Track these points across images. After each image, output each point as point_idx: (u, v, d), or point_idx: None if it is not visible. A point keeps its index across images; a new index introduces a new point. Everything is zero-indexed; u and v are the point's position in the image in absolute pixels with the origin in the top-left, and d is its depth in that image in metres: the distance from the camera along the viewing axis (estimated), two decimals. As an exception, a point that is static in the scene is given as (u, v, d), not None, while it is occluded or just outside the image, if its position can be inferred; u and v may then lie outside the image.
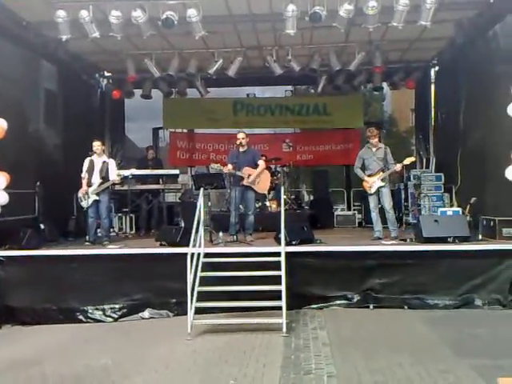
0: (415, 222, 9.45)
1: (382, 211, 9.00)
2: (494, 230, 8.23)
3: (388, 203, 8.79)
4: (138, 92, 12.80)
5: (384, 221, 8.95)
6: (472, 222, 8.70)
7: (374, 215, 8.88)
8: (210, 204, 8.78)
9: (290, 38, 9.12)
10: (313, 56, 11.02)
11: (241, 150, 8.90)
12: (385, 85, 13.35)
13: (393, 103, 26.42)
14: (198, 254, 7.17)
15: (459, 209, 9.32)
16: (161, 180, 10.79)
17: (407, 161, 9.02)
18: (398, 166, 8.79)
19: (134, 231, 11.02)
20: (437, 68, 12.60)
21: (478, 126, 9.58)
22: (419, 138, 13.60)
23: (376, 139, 8.91)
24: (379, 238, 8.67)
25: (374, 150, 8.90)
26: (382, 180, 8.73)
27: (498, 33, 8.88)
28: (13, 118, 8.26)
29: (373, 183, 8.75)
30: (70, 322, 7.71)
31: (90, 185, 8.95)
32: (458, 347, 5.82)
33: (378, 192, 8.79)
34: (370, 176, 8.82)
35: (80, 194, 9.08)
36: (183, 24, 8.46)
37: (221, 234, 8.58)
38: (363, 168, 8.93)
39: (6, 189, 7.86)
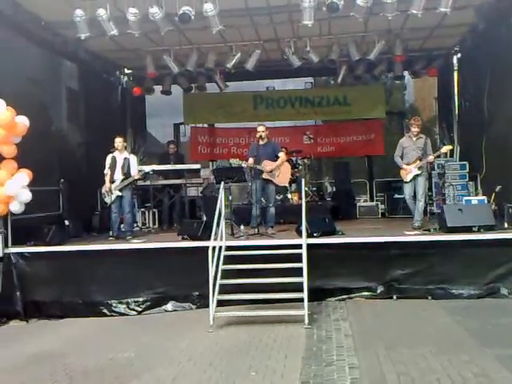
0: (439, 211, 9.30)
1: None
2: (519, 218, 8.07)
3: (421, 192, 8.76)
4: (158, 88, 12.88)
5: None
6: (497, 211, 8.54)
7: (411, 203, 8.86)
8: (230, 197, 8.81)
9: (307, 30, 9.06)
10: (331, 47, 10.92)
11: (261, 142, 8.88)
12: (406, 73, 13.14)
13: (415, 92, 26.07)
14: (220, 247, 7.22)
15: (484, 197, 9.17)
16: (182, 175, 10.85)
17: (444, 149, 9.12)
18: (431, 157, 8.79)
19: (156, 226, 11.13)
20: (459, 55, 12.34)
21: (503, 113, 9.37)
22: (442, 127, 13.37)
23: (418, 128, 8.88)
24: (419, 227, 8.57)
25: (414, 139, 8.87)
26: (419, 168, 8.69)
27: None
28: (36, 116, 8.42)
29: (410, 171, 8.70)
30: (95, 315, 7.87)
31: (112, 181, 9.05)
32: (483, 337, 5.74)
33: (413, 180, 8.73)
34: (407, 164, 8.78)
35: (103, 191, 9.21)
36: (200, 19, 8.46)
37: (242, 227, 8.61)
38: (402, 157, 8.90)
39: (30, 186, 8.01)
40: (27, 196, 7.97)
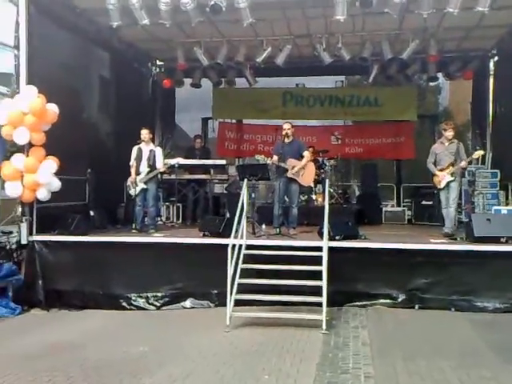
0: (467, 220, 9.07)
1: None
2: (551, 230, 7.77)
3: (453, 197, 8.59)
4: (187, 81, 12.87)
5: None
6: (528, 222, 8.26)
7: (445, 211, 8.66)
8: (253, 195, 8.71)
9: (340, 26, 8.92)
10: (364, 44, 10.73)
11: (286, 141, 8.78)
12: (440, 75, 12.84)
13: (450, 96, 25.51)
14: (240, 246, 7.16)
15: (515, 207, 8.89)
16: (208, 170, 10.82)
17: (476, 155, 8.96)
18: (464, 163, 8.58)
19: (180, 221, 11.12)
20: (496, 58, 11.99)
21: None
22: (476, 133, 13.02)
23: (452, 133, 8.66)
24: (449, 235, 8.42)
25: (446, 144, 8.67)
26: (452, 174, 8.50)
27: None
28: (67, 104, 8.50)
29: (443, 178, 8.52)
30: (114, 308, 7.90)
31: (138, 173, 9.06)
32: (506, 353, 5.56)
33: (447, 187, 8.55)
34: (440, 171, 8.61)
35: (128, 182, 9.23)
36: (231, 11, 8.39)
37: (263, 226, 8.54)
38: (435, 163, 8.72)
39: (57, 175, 8.09)
40: (57, 184, 8.06)
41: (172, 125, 14.45)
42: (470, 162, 8.93)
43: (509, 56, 10.98)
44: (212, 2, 8.30)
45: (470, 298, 7.35)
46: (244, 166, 10.52)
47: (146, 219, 9.29)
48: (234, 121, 14.98)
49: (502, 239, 7.59)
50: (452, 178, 8.50)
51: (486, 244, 7.46)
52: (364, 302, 7.57)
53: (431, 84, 18.08)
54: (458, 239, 8.08)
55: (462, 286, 7.38)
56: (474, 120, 13.46)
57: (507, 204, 9.75)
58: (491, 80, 12.22)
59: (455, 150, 8.57)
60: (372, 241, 8.01)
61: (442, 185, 8.55)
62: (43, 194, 8.02)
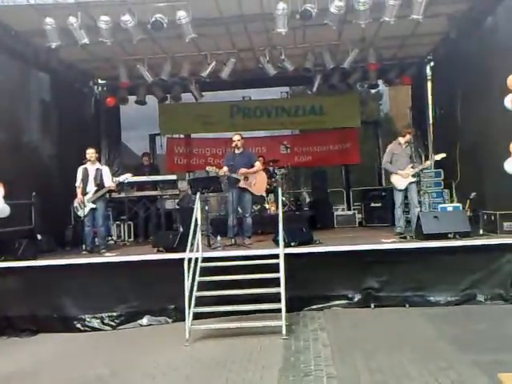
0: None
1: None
2: (494, 224, 8.11)
3: (416, 199, 8.85)
4: (132, 99, 12.74)
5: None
6: (473, 217, 8.61)
7: (400, 211, 8.86)
8: (207, 208, 8.69)
9: (282, 38, 9.06)
10: (306, 55, 10.95)
11: (236, 152, 8.84)
12: (380, 82, 13.25)
13: (390, 101, 26.37)
14: (196, 259, 7.12)
15: (459, 204, 9.23)
16: (158, 186, 10.70)
17: (438, 156, 9.12)
18: (428, 163, 8.98)
19: (132, 239, 10.92)
20: (432, 64, 12.49)
21: (476, 120, 9.47)
22: (417, 135, 13.45)
23: (410, 137, 9.01)
24: (401, 234, 8.63)
25: (403, 146, 8.91)
26: (413, 176, 8.73)
27: (491, 25, 8.79)
28: (6, 128, 8.31)
29: (404, 179, 8.69)
30: (69, 330, 7.68)
31: (85, 193, 8.87)
32: (461, 344, 5.74)
33: (408, 188, 8.74)
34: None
35: (76, 204, 9.02)
36: (173, 27, 8.39)
37: (219, 237, 8.51)
38: (391, 163, 8.94)
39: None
40: (7, 210, 7.78)
41: (118, 143, 14.21)
42: (433, 164, 9.34)
43: (444, 61, 11.45)
44: (153, 19, 8.28)
45: (423, 294, 7.56)
46: (196, 180, 10.49)
47: (96, 239, 9.09)
48: (182, 136, 14.94)
49: (449, 235, 7.85)
50: (414, 180, 8.76)
51: (435, 240, 7.70)
52: (321, 305, 7.65)
53: (372, 91, 18.64)
54: (408, 237, 8.31)
55: (415, 282, 7.58)
56: (414, 123, 13.91)
57: (452, 201, 10.09)
58: (429, 84, 12.71)
59: (411, 153, 8.88)
60: (326, 245, 8.12)
61: (403, 186, 8.73)
62: (-8, 220, 7.73)
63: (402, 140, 8.96)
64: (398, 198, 8.87)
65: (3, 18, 8.76)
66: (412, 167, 8.77)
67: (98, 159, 9.49)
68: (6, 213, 7.81)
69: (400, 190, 8.80)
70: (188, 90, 12.45)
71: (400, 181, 8.76)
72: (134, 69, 10.90)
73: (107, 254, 8.46)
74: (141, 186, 10.65)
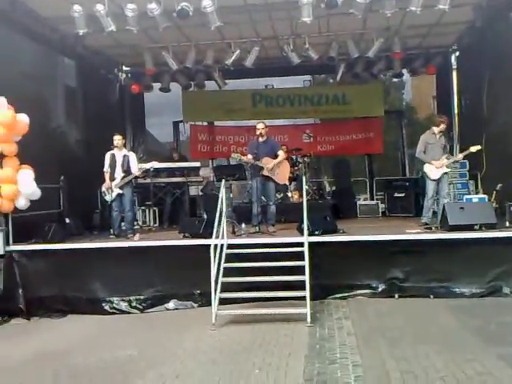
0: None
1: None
2: (521, 216, 8.06)
3: (446, 190, 8.82)
4: (156, 86, 12.84)
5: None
6: (498, 209, 8.53)
7: (431, 202, 8.78)
8: (231, 196, 8.78)
9: (306, 27, 9.07)
10: (330, 44, 10.93)
11: (260, 140, 8.87)
12: (405, 71, 13.14)
13: (413, 91, 26.10)
14: (221, 246, 7.21)
15: (485, 196, 9.17)
16: (183, 173, 10.82)
17: (473, 148, 8.81)
18: (460, 156, 8.90)
19: (157, 224, 11.09)
20: (457, 53, 12.38)
21: (502, 110, 9.40)
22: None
23: (445, 126, 8.84)
24: (426, 224, 8.60)
25: (437, 136, 8.81)
26: (447, 166, 8.69)
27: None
28: (35, 114, 8.39)
29: (438, 169, 8.63)
30: (97, 312, 7.87)
31: (112, 179, 9.00)
32: (486, 336, 5.75)
33: (440, 178, 8.67)
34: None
35: (103, 189, 9.17)
36: (198, 15, 8.46)
37: (243, 225, 8.60)
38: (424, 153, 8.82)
39: (31, 183, 7.99)
40: (38, 193, 7.97)
41: (142, 130, 14.41)
42: (466, 156, 9.07)
43: (470, 51, 11.33)
44: (179, 7, 8.34)
45: (447, 285, 7.57)
46: (221, 167, 10.57)
47: (123, 224, 9.23)
48: (205, 123, 15.00)
49: (475, 227, 7.80)
50: (448, 170, 8.73)
51: (460, 232, 7.67)
52: (345, 294, 7.71)
53: (395, 80, 18.45)
54: (433, 228, 8.28)
55: (440, 273, 7.59)
56: (439, 113, 13.78)
57: (477, 193, 10.03)
58: (454, 74, 12.59)
59: (445, 143, 8.82)
60: (350, 234, 8.15)
61: (438, 176, 8.63)
62: (22, 204, 7.91)
63: (436, 130, 8.83)
64: (431, 189, 8.71)
65: (31, 4, 8.90)
66: (447, 158, 8.71)
67: (125, 145, 9.60)
68: (37, 195, 8.03)
69: (433, 180, 8.68)
70: (211, 78, 12.53)
71: (434, 171, 8.65)
72: (159, 56, 11.00)
73: (135, 239, 8.60)
74: (167, 172, 10.76)
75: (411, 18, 9.35)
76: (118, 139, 9.13)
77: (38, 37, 9.48)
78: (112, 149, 9.12)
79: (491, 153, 9.77)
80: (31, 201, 8.09)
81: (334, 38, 10.86)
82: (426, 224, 8.63)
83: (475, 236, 7.58)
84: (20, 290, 7.88)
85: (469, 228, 7.75)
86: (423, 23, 10.12)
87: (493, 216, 7.95)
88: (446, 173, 8.71)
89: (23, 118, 7.99)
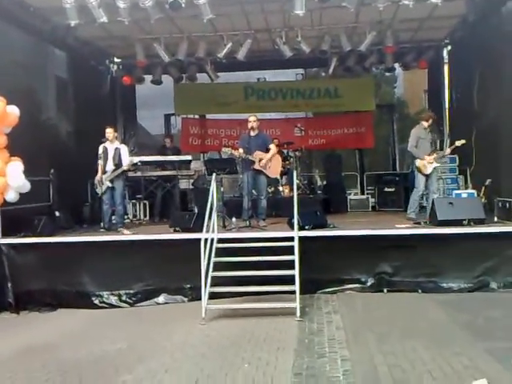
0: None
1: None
2: (509, 211, 8.10)
3: (437, 185, 8.94)
4: (148, 78, 12.76)
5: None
6: (487, 204, 8.61)
7: (419, 197, 8.90)
8: (222, 189, 8.78)
9: (299, 20, 9.02)
10: (323, 37, 10.87)
11: (252, 134, 8.86)
12: (396, 66, 13.14)
13: (404, 85, 26.10)
14: (212, 240, 7.21)
15: (474, 191, 9.24)
16: (174, 166, 10.79)
17: (458, 142, 8.98)
18: (448, 150, 9.03)
19: (147, 218, 11.03)
20: (449, 47, 12.38)
21: (493, 105, 9.41)
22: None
23: (432, 121, 9.01)
24: (413, 219, 8.68)
25: (427, 131, 8.91)
26: (437, 161, 8.79)
27: (509, 9, 8.67)
28: (24, 105, 8.28)
29: (430, 164, 8.70)
30: (87, 306, 7.88)
31: (104, 172, 8.98)
32: (473, 330, 5.81)
33: (431, 173, 8.75)
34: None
35: (95, 181, 9.12)
36: (191, 7, 8.37)
37: (234, 219, 8.60)
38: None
39: (21, 176, 7.93)
40: (28, 186, 7.92)
41: (134, 122, 14.34)
42: (453, 150, 9.22)
43: (461, 45, 11.34)
44: (171, -1, 8.27)
45: (435, 280, 7.64)
46: (212, 161, 10.57)
47: (113, 218, 9.21)
48: (196, 116, 14.95)
49: (463, 222, 7.85)
50: (438, 165, 8.84)
51: (449, 227, 7.73)
52: (335, 288, 7.76)
53: (387, 74, 18.44)
54: (422, 223, 8.33)
55: (428, 268, 7.65)
56: (430, 107, 13.83)
57: (466, 188, 10.09)
58: (446, 68, 12.60)
59: (432, 138, 8.93)
60: (341, 229, 8.18)
61: (429, 171, 8.70)
62: (12, 197, 7.86)
63: (425, 124, 8.92)
64: (421, 183, 8.77)
65: (23, -6, 8.81)
66: (436, 152, 8.79)
67: (117, 138, 9.55)
68: (27, 188, 7.96)
69: (424, 175, 8.74)
70: (204, 71, 12.44)
71: (427, 166, 8.71)
72: (151, 48, 10.90)
73: (125, 232, 8.59)
74: (157, 165, 10.73)
75: (404, 12, 9.32)
76: (109, 132, 9.09)
77: (29, 27, 9.37)
78: (104, 141, 9.07)
79: (481, 148, 9.82)
80: (21, 194, 8.03)
81: (326, 31, 10.81)
82: (413, 219, 8.68)
83: (464, 231, 7.63)
84: (9, 284, 7.86)
85: (457, 223, 7.81)
86: (416, 17, 10.09)
87: (481, 211, 8.02)
88: (435, 168, 8.77)
89: (13, 110, 7.91)
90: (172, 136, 13.11)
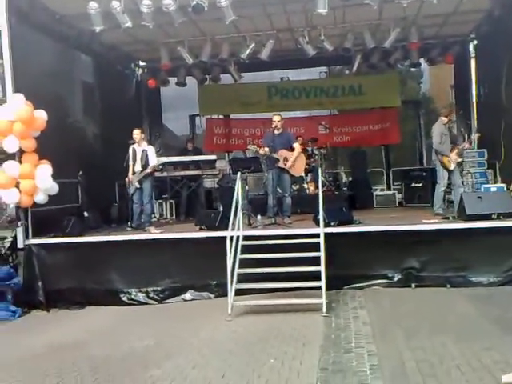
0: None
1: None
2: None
3: (460, 179, 8.95)
4: (173, 80, 12.91)
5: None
6: (517, 198, 8.44)
7: (442, 191, 8.83)
8: (247, 188, 8.82)
9: (321, 18, 8.99)
10: (346, 35, 10.81)
11: (276, 132, 8.89)
12: (422, 61, 12.99)
13: (431, 80, 25.76)
14: (237, 237, 7.26)
15: (503, 185, 9.07)
16: (199, 166, 10.89)
17: (475, 136, 9.18)
18: (468, 145, 9.02)
19: (174, 217, 11.17)
20: (475, 42, 12.19)
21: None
22: (460, 114, 13.19)
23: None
24: (441, 214, 8.58)
25: (447, 126, 8.89)
26: (461, 156, 8.81)
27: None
28: (53, 110, 8.52)
29: (455, 159, 8.67)
30: (115, 303, 8.02)
31: (133, 173, 9.11)
32: (503, 325, 5.70)
33: (455, 168, 8.72)
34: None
35: (126, 181, 9.25)
36: (213, 9, 8.45)
37: (259, 217, 8.61)
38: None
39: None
40: (56, 188, 8.12)
41: (159, 124, 14.51)
42: (470, 144, 9.23)
43: (487, 39, 11.16)
44: (194, 3, 8.34)
45: (464, 274, 7.53)
46: (236, 160, 10.62)
47: (142, 216, 9.33)
48: (221, 116, 15.04)
49: (492, 216, 7.74)
50: (461, 160, 8.82)
51: (478, 221, 7.61)
52: (361, 284, 7.72)
53: (412, 70, 18.23)
54: (451, 218, 8.21)
55: (457, 262, 7.55)
56: (457, 102, 13.65)
57: (495, 182, 9.91)
58: (473, 63, 12.40)
59: (451, 133, 8.92)
60: (366, 225, 8.13)
61: (454, 166, 8.66)
62: (41, 198, 8.07)
63: (445, 120, 8.86)
64: (446, 179, 8.73)
65: (49, 2, 9.02)
66: (456, 147, 8.72)
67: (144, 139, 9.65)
68: (55, 190, 8.18)
69: (450, 171, 8.68)
70: (227, 72, 12.52)
71: (451, 161, 8.65)
72: (175, 51, 11.03)
73: (152, 231, 8.69)
74: (183, 166, 10.83)
75: (428, 8, 9.21)
76: (135, 133, 9.20)
77: (56, 34, 9.60)
78: (132, 143, 9.20)
79: (510, 142, 9.64)
80: (50, 195, 8.23)
81: (349, 29, 10.74)
82: (441, 214, 8.57)
83: (493, 225, 7.51)
84: (39, 283, 8.05)
85: (486, 217, 7.69)
86: (440, 12, 9.98)
87: (511, 205, 7.86)
88: (458, 162, 8.74)
89: (41, 115, 8.13)
90: (193, 139, 13.32)
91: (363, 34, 10.61)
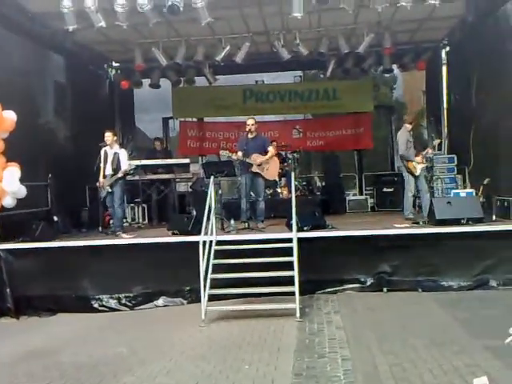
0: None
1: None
2: (507, 210, 8.16)
3: (426, 185, 9.11)
4: (146, 82, 12.79)
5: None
6: (486, 203, 8.62)
7: (412, 197, 9.05)
8: (220, 192, 8.79)
9: (297, 22, 9.05)
10: (321, 39, 10.90)
11: (250, 136, 8.86)
12: (394, 67, 13.17)
13: (403, 86, 26.18)
14: (210, 242, 7.20)
15: (472, 190, 9.26)
16: (171, 169, 10.78)
17: (436, 142, 9.60)
18: (431, 151, 9.25)
19: (146, 221, 11.05)
20: (448, 48, 12.39)
21: (491, 106, 9.44)
22: (430, 120, 13.44)
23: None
24: (411, 219, 8.74)
25: (411, 133, 9.12)
26: (424, 162, 9.00)
27: (508, 10, 8.70)
28: (23, 110, 8.31)
29: (420, 166, 8.88)
30: (86, 310, 7.86)
31: (104, 176, 8.96)
32: (473, 328, 5.80)
33: (420, 174, 8.92)
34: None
35: (98, 185, 9.10)
36: (189, 10, 8.39)
37: (232, 221, 8.59)
38: None
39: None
40: (24, 191, 7.92)
41: (132, 126, 14.37)
42: (433, 149, 9.55)
43: (460, 46, 11.36)
44: (169, 3, 8.27)
45: (435, 278, 7.64)
46: (210, 164, 10.57)
47: (111, 221, 9.20)
48: (195, 119, 14.96)
49: (462, 221, 7.88)
50: (426, 165, 9.03)
51: (448, 226, 7.74)
52: (334, 288, 7.76)
53: (386, 75, 18.48)
54: (421, 223, 8.34)
55: (427, 267, 7.66)
56: (428, 108, 13.89)
57: (465, 187, 10.10)
58: (444, 69, 12.61)
59: (414, 139, 9.09)
60: (339, 229, 8.19)
61: (419, 172, 8.87)
62: (9, 202, 7.87)
63: (409, 127, 9.11)
64: (412, 184, 8.95)
65: (21, 0, 8.81)
66: (420, 153, 8.94)
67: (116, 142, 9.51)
68: (23, 194, 7.97)
69: (416, 177, 8.88)
70: (202, 74, 12.49)
71: (417, 167, 8.85)
72: (149, 52, 10.94)
73: (123, 236, 8.58)
74: (154, 169, 10.73)
75: (402, 13, 9.32)
76: (107, 135, 9.02)
77: (27, 32, 9.41)
78: (104, 145, 9.04)
79: (479, 147, 9.85)
80: (18, 199, 8.03)
81: (324, 34, 10.83)
82: (411, 219, 8.72)
83: (462, 230, 7.65)
84: (7, 289, 7.82)
85: (456, 222, 7.83)
86: (414, 18, 10.12)
87: (480, 210, 8.04)
88: (424, 168, 8.98)
89: (10, 115, 7.93)
90: (162, 139, 13.10)
91: (338, 38, 10.72)
